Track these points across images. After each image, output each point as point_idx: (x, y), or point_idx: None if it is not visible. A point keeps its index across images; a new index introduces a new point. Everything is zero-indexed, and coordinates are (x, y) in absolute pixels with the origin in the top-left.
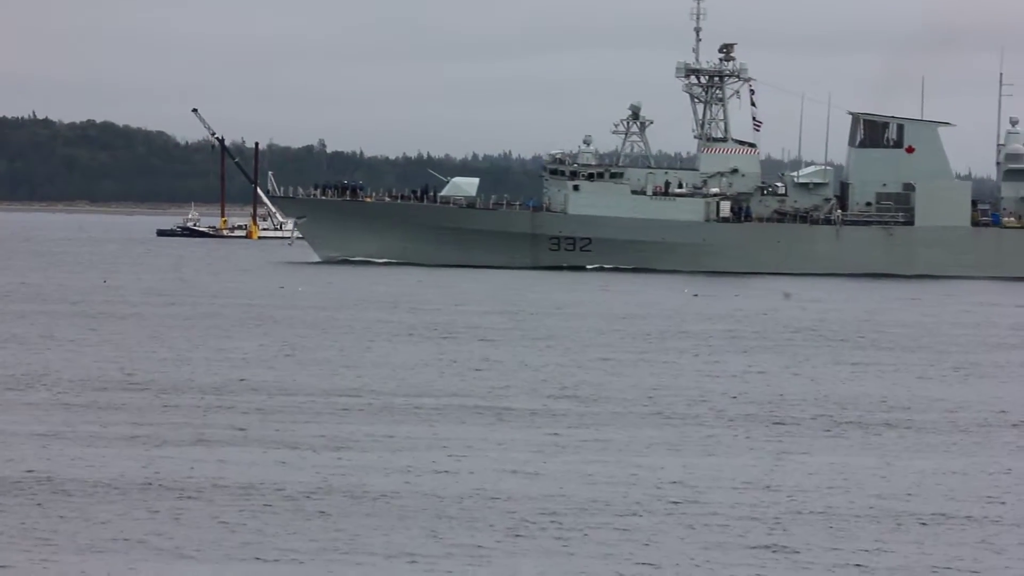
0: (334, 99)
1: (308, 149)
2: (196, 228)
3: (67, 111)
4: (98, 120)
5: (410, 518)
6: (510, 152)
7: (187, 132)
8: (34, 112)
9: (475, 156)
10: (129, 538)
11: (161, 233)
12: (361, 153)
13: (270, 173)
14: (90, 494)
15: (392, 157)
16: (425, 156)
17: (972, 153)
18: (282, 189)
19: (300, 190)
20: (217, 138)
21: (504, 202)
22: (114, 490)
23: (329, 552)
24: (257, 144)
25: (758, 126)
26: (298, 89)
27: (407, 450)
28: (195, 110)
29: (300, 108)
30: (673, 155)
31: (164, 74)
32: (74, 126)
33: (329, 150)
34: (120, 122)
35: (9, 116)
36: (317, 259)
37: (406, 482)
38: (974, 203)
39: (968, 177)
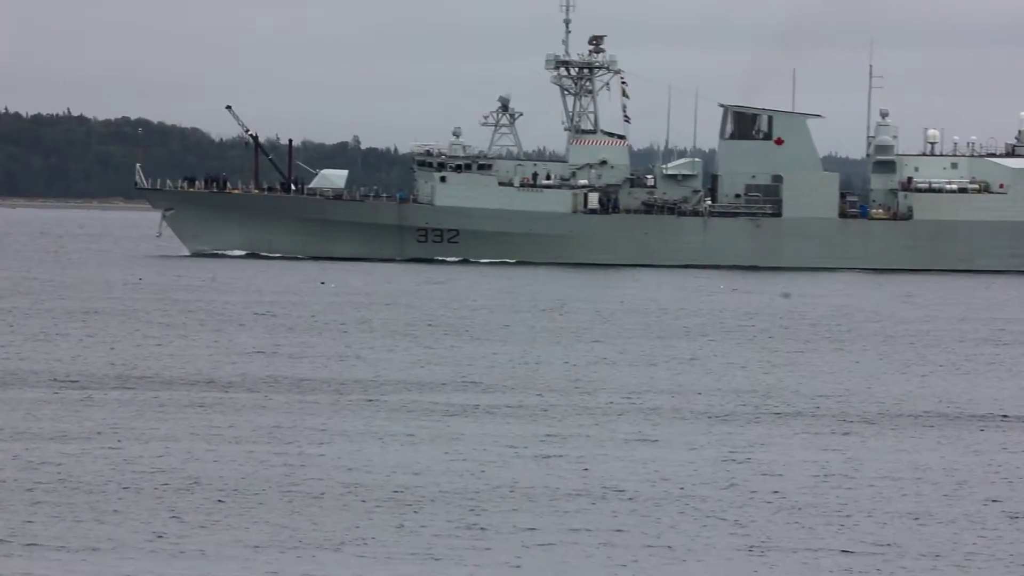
0: (369, 95)
1: (342, 146)
2: None
3: (102, 108)
4: (132, 117)
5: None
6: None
7: (221, 129)
8: (69, 109)
9: (509, 152)
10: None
11: None
12: (396, 149)
13: (137, 165)
14: None
15: None
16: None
17: (844, 146)
18: (149, 181)
19: (168, 182)
20: (251, 135)
21: (372, 194)
22: None
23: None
24: (291, 141)
25: (628, 119)
26: (332, 85)
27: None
28: (229, 107)
29: (334, 104)
30: (547, 151)
31: (198, 70)
32: (109, 123)
33: (363, 146)
34: (155, 119)
35: (44, 113)
36: (186, 252)
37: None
38: (843, 195)
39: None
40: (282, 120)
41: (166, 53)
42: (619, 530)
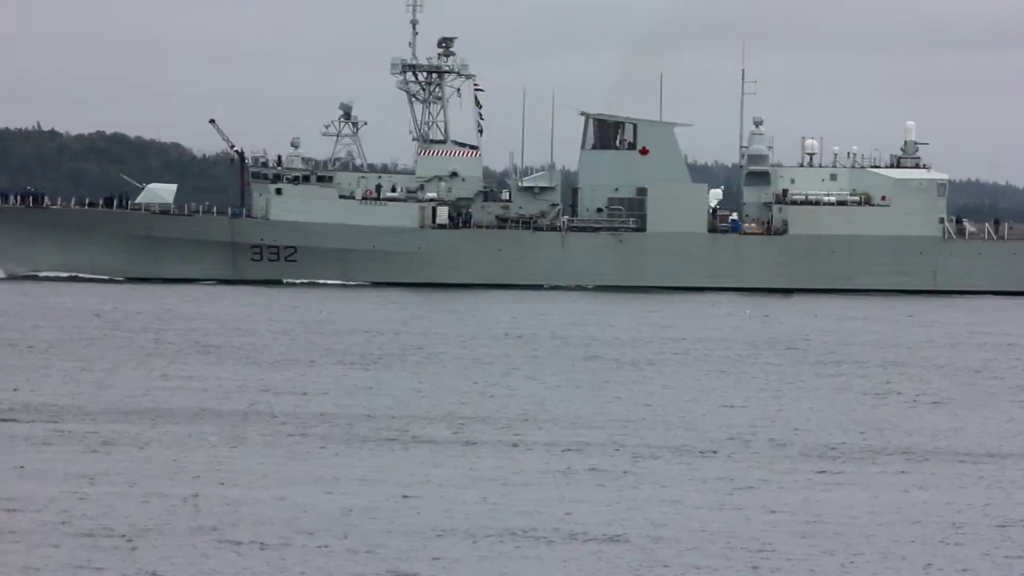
0: (360, 108)
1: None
2: None
3: (74, 121)
4: (108, 131)
5: None
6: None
7: (204, 144)
8: (39, 123)
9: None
10: None
11: None
12: (396, 164)
13: None
14: None
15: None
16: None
17: (719, 157)
18: None
19: None
20: (236, 151)
21: (201, 208)
22: None
23: None
24: (280, 156)
25: (481, 127)
26: (319, 98)
27: None
28: (212, 121)
29: (322, 118)
30: (395, 164)
31: (179, 82)
32: (82, 137)
33: (357, 160)
34: (132, 133)
35: (12, 127)
36: (1, 275)
37: None
38: (714, 210)
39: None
40: (267, 134)
41: (144, 63)
42: None
